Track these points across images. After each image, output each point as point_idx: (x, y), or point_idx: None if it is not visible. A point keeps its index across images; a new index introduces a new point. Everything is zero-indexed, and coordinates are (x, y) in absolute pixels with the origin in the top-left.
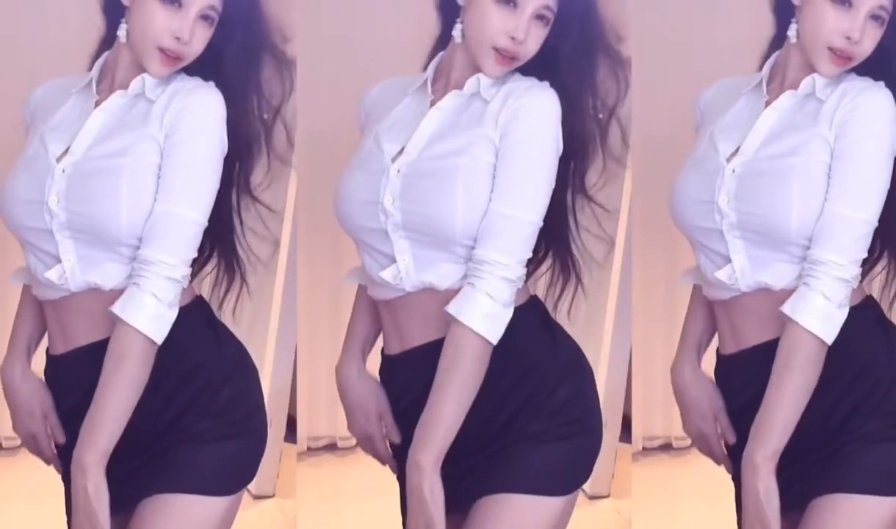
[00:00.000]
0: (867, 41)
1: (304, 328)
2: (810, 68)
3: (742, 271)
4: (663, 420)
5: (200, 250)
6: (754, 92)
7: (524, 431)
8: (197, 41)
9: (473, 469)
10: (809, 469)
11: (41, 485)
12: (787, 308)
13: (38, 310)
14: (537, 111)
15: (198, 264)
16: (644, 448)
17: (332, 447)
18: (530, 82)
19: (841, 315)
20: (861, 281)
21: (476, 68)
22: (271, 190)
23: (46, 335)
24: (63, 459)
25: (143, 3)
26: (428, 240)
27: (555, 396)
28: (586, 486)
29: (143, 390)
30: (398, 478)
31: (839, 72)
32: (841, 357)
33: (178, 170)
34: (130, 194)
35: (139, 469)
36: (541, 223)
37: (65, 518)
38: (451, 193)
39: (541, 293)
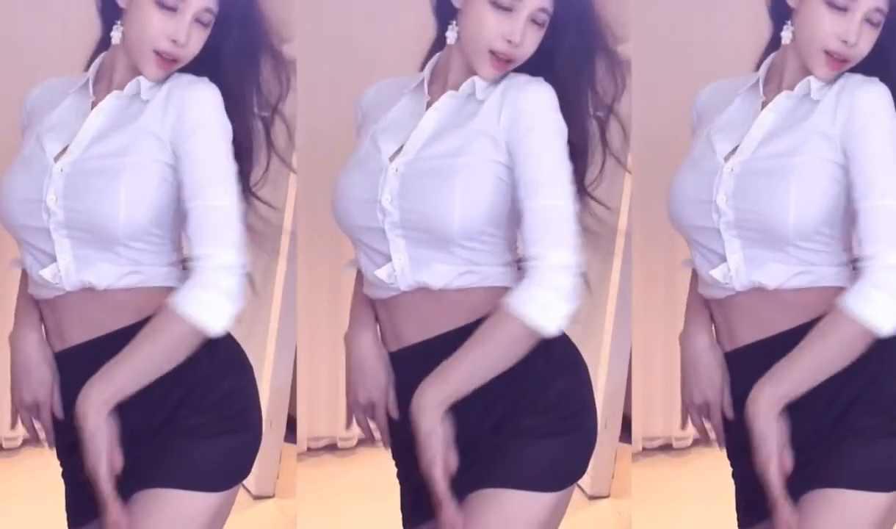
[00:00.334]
0: (863, 44)
1: (304, 328)
2: (807, 70)
3: (737, 270)
4: (663, 420)
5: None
6: (751, 93)
7: (518, 426)
8: (193, 44)
9: (468, 465)
10: (805, 464)
11: (41, 485)
12: (839, 300)
13: None
14: (542, 103)
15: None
16: (644, 448)
17: (332, 447)
18: (524, 78)
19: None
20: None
21: (472, 69)
22: (271, 190)
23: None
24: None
25: (139, 6)
26: (425, 239)
27: (549, 392)
28: (586, 486)
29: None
30: (393, 457)
31: (835, 75)
32: None
33: (196, 165)
34: (129, 193)
35: (134, 464)
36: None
37: (65, 517)
38: (448, 192)
39: None
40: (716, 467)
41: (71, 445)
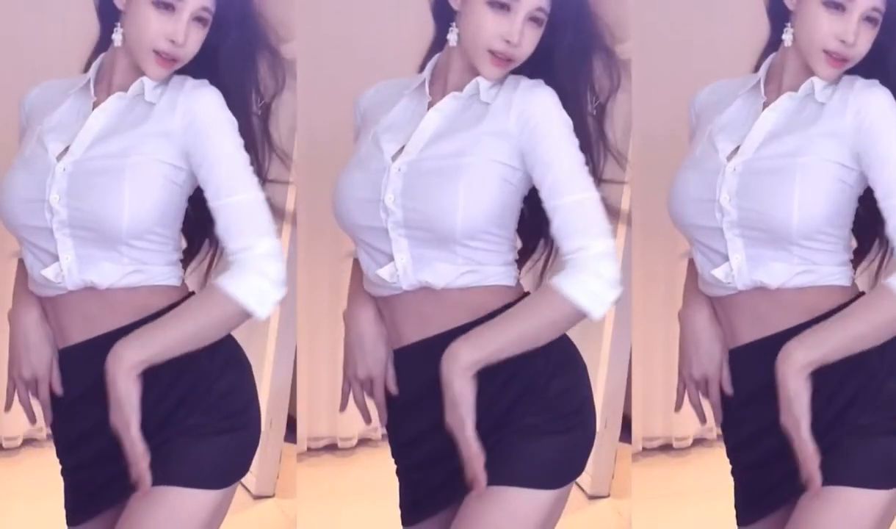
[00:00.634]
0: (861, 43)
1: (304, 328)
2: (807, 71)
3: (739, 269)
4: (663, 420)
5: (201, 247)
6: (752, 93)
7: (518, 425)
8: (191, 43)
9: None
10: None
11: (41, 485)
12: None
13: None
14: (551, 106)
15: (196, 261)
16: (644, 448)
17: (332, 447)
18: (528, 82)
19: None
20: (853, 274)
21: (472, 70)
22: (271, 189)
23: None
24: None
25: (138, 7)
26: (428, 238)
27: (548, 390)
28: (586, 486)
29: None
30: (393, 455)
31: (836, 74)
32: None
33: (219, 165)
34: (132, 193)
35: None
36: None
37: (64, 516)
38: (452, 191)
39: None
40: (716, 467)
41: (71, 441)
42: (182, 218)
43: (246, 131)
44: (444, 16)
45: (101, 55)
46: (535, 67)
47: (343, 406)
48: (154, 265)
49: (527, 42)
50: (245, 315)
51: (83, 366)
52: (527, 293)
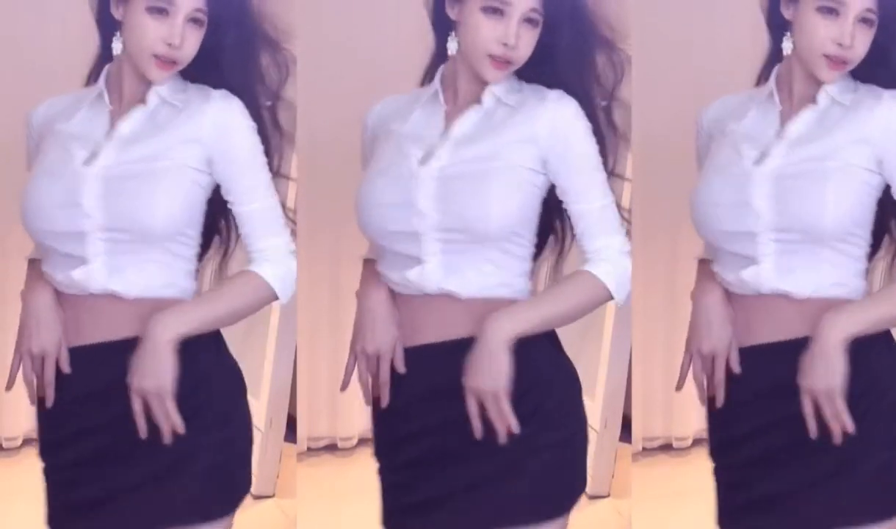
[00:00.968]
0: (859, 45)
1: (304, 328)
2: (813, 76)
3: (768, 273)
4: (663, 420)
5: (200, 247)
6: (767, 102)
7: (529, 440)
8: (189, 44)
9: (475, 488)
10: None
11: (41, 485)
12: None
13: None
14: (576, 117)
15: (198, 261)
16: (644, 448)
17: (332, 447)
18: (553, 94)
19: None
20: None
21: (477, 76)
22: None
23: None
24: (47, 456)
25: (133, 15)
26: (462, 239)
27: (550, 399)
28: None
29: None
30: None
31: (838, 76)
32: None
33: (246, 172)
34: (164, 195)
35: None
36: None
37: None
38: (487, 193)
39: (541, 289)
40: None
41: (59, 441)
42: (203, 221)
43: (257, 128)
44: (444, 26)
45: (107, 66)
46: (539, 67)
47: (345, 384)
48: (177, 274)
49: (524, 43)
50: (271, 300)
51: (93, 367)
52: None
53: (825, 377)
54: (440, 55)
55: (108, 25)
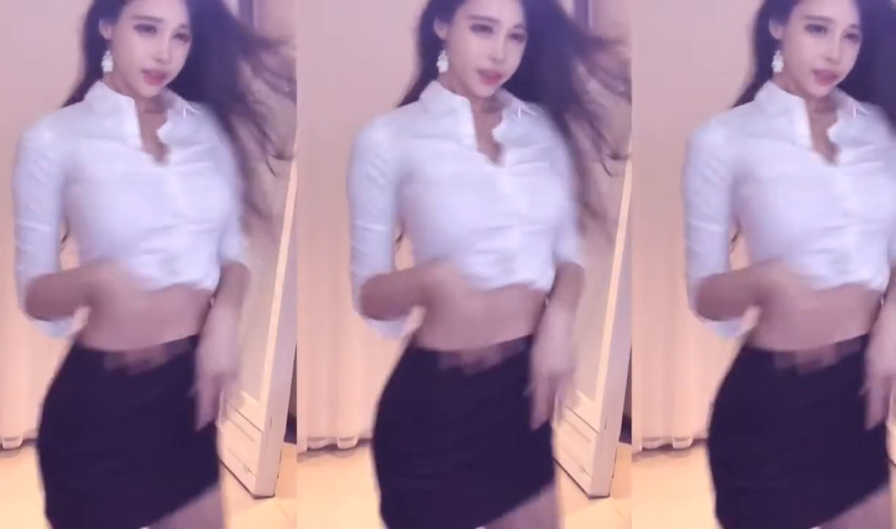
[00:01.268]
0: (846, 59)
1: (304, 328)
2: (804, 91)
3: (856, 264)
4: (663, 420)
5: None
6: (780, 120)
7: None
8: (176, 58)
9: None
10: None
11: (39, 481)
12: None
13: None
14: None
15: None
16: (644, 448)
17: (332, 447)
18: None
19: None
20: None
21: (468, 90)
22: (271, 189)
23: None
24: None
25: (123, 33)
26: (541, 230)
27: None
28: (586, 486)
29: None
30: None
31: (826, 91)
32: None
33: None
34: (221, 187)
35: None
36: None
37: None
38: (555, 184)
39: None
40: None
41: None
42: None
43: (242, 135)
44: (432, 46)
45: (99, 82)
46: (527, 81)
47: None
48: (217, 264)
49: (511, 58)
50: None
51: (157, 371)
52: None
53: (887, 361)
54: (425, 75)
55: (96, 45)
